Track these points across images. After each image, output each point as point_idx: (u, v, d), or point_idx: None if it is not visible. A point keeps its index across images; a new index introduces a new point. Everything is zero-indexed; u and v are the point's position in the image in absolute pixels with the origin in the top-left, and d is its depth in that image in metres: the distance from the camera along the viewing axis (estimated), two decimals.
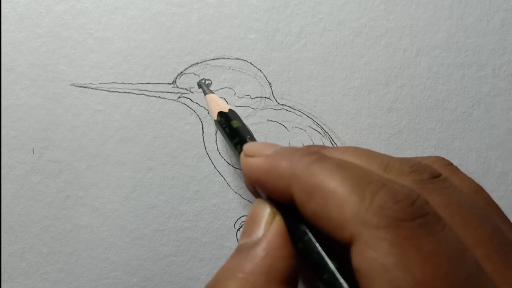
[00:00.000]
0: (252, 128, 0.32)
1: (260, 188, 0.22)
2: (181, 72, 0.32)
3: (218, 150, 0.32)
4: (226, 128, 0.28)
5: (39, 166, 0.33)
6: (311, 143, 0.32)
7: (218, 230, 0.32)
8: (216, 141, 0.32)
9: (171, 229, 0.32)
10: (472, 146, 0.32)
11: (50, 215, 0.33)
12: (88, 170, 0.33)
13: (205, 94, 0.32)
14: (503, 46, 0.31)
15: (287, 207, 0.21)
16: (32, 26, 0.32)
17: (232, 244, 0.32)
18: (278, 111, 0.32)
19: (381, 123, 0.32)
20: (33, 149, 0.33)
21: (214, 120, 0.29)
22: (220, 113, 0.29)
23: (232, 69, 0.32)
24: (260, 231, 0.21)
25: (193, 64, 0.32)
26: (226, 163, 0.32)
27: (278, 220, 0.21)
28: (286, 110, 0.32)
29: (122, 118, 0.32)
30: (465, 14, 0.31)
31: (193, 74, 0.32)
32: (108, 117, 0.32)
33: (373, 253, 0.16)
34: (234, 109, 0.30)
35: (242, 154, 0.23)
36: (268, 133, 0.32)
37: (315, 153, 0.20)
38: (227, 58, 0.32)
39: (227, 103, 0.32)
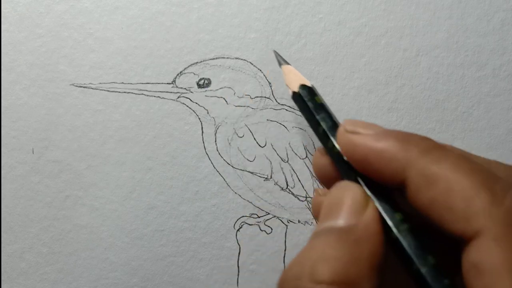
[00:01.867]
0: (252, 128, 0.32)
1: (364, 168, 0.20)
2: (181, 72, 0.32)
3: (217, 150, 0.32)
4: (309, 102, 0.25)
5: (39, 166, 0.33)
6: (311, 143, 0.32)
7: (217, 231, 0.32)
8: (215, 141, 0.32)
9: (171, 229, 0.32)
10: (472, 146, 0.32)
11: (49, 215, 0.33)
12: (88, 170, 0.33)
13: (280, 64, 0.28)
14: (503, 46, 0.31)
15: (381, 192, 0.20)
16: (32, 26, 0.32)
17: (232, 245, 0.32)
18: (278, 111, 0.32)
19: (381, 123, 0.32)
20: (33, 149, 0.33)
21: (293, 93, 0.26)
22: (303, 86, 0.26)
23: (232, 69, 0.32)
24: (352, 215, 0.20)
25: (193, 64, 0.32)
26: (226, 163, 0.32)
27: (374, 205, 0.20)
28: (286, 110, 0.32)
29: (122, 118, 0.32)
30: (465, 14, 0.31)
31: (193, 74, 0.32)
32: (108, 117, 0.32)
33: (504, 250, 0.15)
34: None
35: (341, 129, 0.21)
36: (268, 133, 0.32)
37: (430, 140, 0.19)
38: (227, 58, 0.32)
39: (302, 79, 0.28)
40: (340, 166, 0.22)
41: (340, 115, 0.32)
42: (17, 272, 0.33)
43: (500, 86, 0.31)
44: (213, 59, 0.32)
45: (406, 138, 0.19)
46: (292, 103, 0.32)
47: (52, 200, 0.33)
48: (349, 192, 0.20)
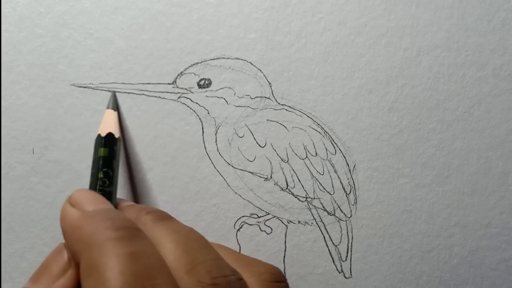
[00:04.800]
0: (252, 128, 0.32)
1: (64, 240, 0.22)
2: (181, 72, 0.32)
3: (218, 150, 0.32)
4: (94, 154, 0.29)
5: (39, 166, 0.33)
6: (311, 143, 0.32)
7: (218, 231, 0.32)
8: (216, 141, 0.32)
9: None
10: (473, 146, 0.32)
11: (50, 215, 0.33)
12: (88, 170, 0.33)
13: (107, 107, 0.32)
14: (504, 46, 0.31)
15: None
16: (32, 26, 0.32)
17: (232, 245, 0.32)
18: (278, 111, 0.32)
19: (382, 123, 0.32)
20: (33, 149, 0.33)
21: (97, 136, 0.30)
22: (98, 135, 0.29)
23: (232, 69, 0.32)
24: (47, 281, 0.21)
25: (193, 64, 0.32)
26: (226, 163, 0.32)
27: (70, 274, 0.21)
28: (286, 110, 0.32)
29: (122, 118, 0.32)
30: (465, 14, 0.31)
31: (193, 74, 0.32)
32: None
33: None
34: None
35: (66, 199, 0.23)
36: (268, 133, 0.32)
37: (124, 229, 0.20)
38: (227, 58, 0.32)
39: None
40: None
41: (340, 115, 0.32)
42: (18, 272, 0.33)
43: (501, 86, 0.31)
44: (214, 59, 0.32)
45: (100, 222, 0.20)
46: (292, 103, 0.32)
47: (52, 200, 0.33)
48: (56, 255, 0.22)
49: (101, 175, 0.27)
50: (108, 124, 0.30)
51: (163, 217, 0.24)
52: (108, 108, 0.31)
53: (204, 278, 0.19)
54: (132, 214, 0.23)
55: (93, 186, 0.27)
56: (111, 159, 0.28)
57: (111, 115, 0.31)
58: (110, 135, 0.29)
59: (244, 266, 0.22)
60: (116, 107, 0.32)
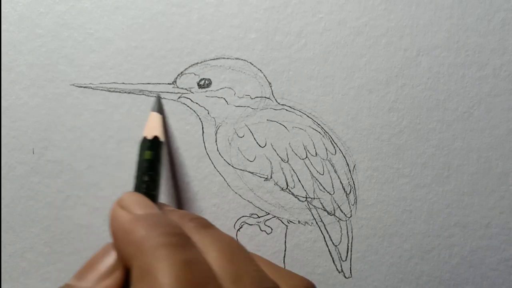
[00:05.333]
0: (252, 128, 0.32)
1: (113, 242, 0.22)
2: (181, 72, 0.32)
3: (218, 150, 0.32)
4: (138, 156, 0.28)
5: (39, 166, 0.33)
6: (311, 143, 0.32)
7: None
8: (216, 141, 0.32)
9: None
10: (473, 146, 0.32)
11: (50, 215, 0.33)
12: (88, 170, 0.33)
13: (152, 110, 0.32)
14: (504, 46, 0.31)
15: None
16: (32, 26, 0.32)
17: None
18: (278, 111, 0.32)
19: (382, 123, 0.32)
20: (33, 149, 0.33)
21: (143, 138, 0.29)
22: (144, 138, 0.29)
23: (232, 69, 0.32)
24: (93, 279, 0.21)
25: (193, 64, 0.32)
26: (226, 163, 0.32)
27: (117, 275, 0.21)
28: (286, 110, 0.32)
29: (123, 119, 0.32)
30: (465, 14, 0.31)
31: (193, 74, 0.32)
32: (108, 117, 0.32)
33: None
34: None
35: (116, 201, 0.23)
36: (268, 133, 0.32)
37: (176, 235, 0.20)
38: (227, 58, 0.32)
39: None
40: None
41: (340, 115, 0.32)
42: (18, 272, 0.33)
43: (500, 86, 0.31)
44: (214, 59, 0.32)
45: (153, 227, 0.20)
46: (292, 103, 0.32)
47: (52, 200, 0.33)
48: (103, 255, 0.22)
49: (146, 178, 0.27)
50: (154, 127, 0.30)
51: (206, 225, 0.24)
52: (153, 111, 0.31)
53: None
54: (175, 220, 0.24)
55: (138, 189, 0.27)
56: (156, 162, 0.28)
57: (157, 118, 0.31)
58: (155, 138, 0.29)
59: (281, 278, 0.23)
60: (161, 110, 0.31)
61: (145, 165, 0.27)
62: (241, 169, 0.32)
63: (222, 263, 0.20)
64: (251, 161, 0.32)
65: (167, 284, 0.18)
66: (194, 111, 0.32)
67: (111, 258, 0.22)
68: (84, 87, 0.32)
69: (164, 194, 0.32)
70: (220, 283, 0.19)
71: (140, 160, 0.28)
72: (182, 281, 0.18)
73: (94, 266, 0.22)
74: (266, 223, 0.32)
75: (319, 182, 0.32)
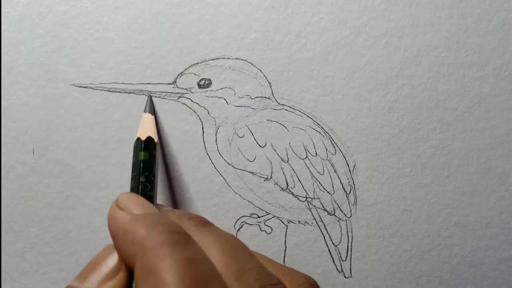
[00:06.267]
0: (252, 128, 0.32)
1: (114, 243, 0.22)
2: (181, 72, 0.32)
3: (218, 150, 0.32)
4: (133, 157, 0.28)
5: (39, 166, 0.33)
6: (311, 143, 0.32)
7: None
8: (216, 141, 0.32)
9: None
10: (473, 146, 0.32)
11: (50, 215, 0.33)
12: (88, 170, 0.33)
13: (144, 110, 0.32)
14: (504, 46, 0.31)
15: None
16: (32, 26, 0.32)
17: None
18: (278, 111, 0.32)
19: (382, 123, 0.32)
20: (33, 149, 0.33)
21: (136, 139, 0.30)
22: (138, 139, 0.29)
23: (232, 69, 0.32)
24: (96, 281, 0.21)
25: (193, 64, 0.32)
26: (226, 163, 0.32)
27: (120, 276, 0.21)
28: (286, 110, 0.32)
29: (123, 119, 0.32)
30: (465, 14, 0.31)
31: (193, 74, 0.32)
32: (108, 117, 0.32)
33: None
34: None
35: (113, 202, 0.23)
36: (268, 133, 0.32)
37: (178, 233, 0.20)
38: (227, 58, 0.32)
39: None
40: None
41: (340, 115, 0.32)
42: (18, 272, 0.33)
43: (500, 86, 0.31)
44: (214, 59, 0.32)
45: (154, 225, 0.20)
46: (292, 103, 0.32)
47: (52, 200, 0.33)
48: (105, 256, 0.22)
49: (142, 179, 0.27)
50: (147, 128, 0.30)
51: (205, 223, 0.24)
52: (145, 111, 0.31)
53: (254, 286, 0.20)
54: (174, 219, 0.24)
55: (135, 190, 0.27)
56: (151, 163, 0.28)
57: (149, 119, 0.31)
58: (149, 139, 0.29)
59: (284, 275, 0.23)
60: (153, 110, 0.32)
61: (141, 166, 0.28)
62: (241, 169, 0.32)
63: (225, 260, 0.20)
64: (251, 161, 0.32)
65: (172, 283, 0.17)
66: (194, 111, 0.32)
67: (113, 259, 0.22)
68: (84, 87, 0.32)
69: (164, 194, 0.32)
70: (224, 281, 0.19)
71: (136, 161, 0.28)
72: (186, 279, 0.18)
73: (96, 267, 0.22)
74: (266, 223, 0.32)
75: (319, 182, 0.32)
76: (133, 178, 0.27)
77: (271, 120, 0.32)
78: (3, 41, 0.32)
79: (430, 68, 0.32)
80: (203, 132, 0.32)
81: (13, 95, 0.33)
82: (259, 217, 0.32)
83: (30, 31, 0.32)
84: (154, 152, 0.29)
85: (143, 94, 0.32)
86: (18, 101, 0.33)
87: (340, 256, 0.32)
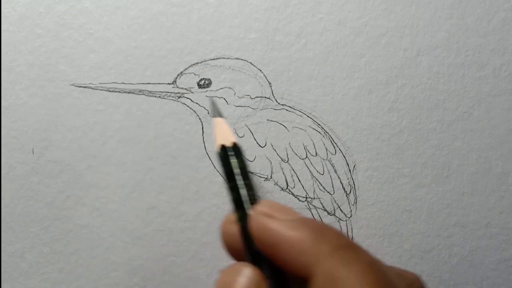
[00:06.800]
0: (252, 128, 0.32)
1: (272, 253, 0.20)
2: (181, 72, 0.32)
3: None
4: (225, 167, 0.26)
5: (39, 166, 0.33)
6: (311, 143, 0.32)
7: (218, 231, 0.32)
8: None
9: (171, 229, 0.32)
10: (473, 146, 0.32)
11: (50, 215, 0.33)
12: (88, 170, 0.33)
13: (213, 116, 0.29)
14: (504, 46, 0.31)
15: (274, 272, 0.20)
16: (32, 26, 0.32)
17: None
18: (278, 111, 0.32)
19: (382, 123, 0.32)
20: (33, 149, 0.33)
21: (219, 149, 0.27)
22: (223, 146, 0.26)
23: (232, 69, 0.32)
24: None
25: (193, 64, 0.32)
26: None
27: None
28: (286, 110, 0.32)
29: (122, 118, 0.32)
30: (465, 14, 0.31)
31: (193, 74, 0.32)
32: (108, 117, 0.32)
33: None
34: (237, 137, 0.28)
35: (256, 210, 0.21)
36: (268, 133, 0.32)
37: (345, 239, 0.19)
38: (227, 58, 0.32)
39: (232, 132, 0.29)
40: (246, 242, 0.21)
41: (340, 115, 0.32)
42: (18, 272, 0.33)
43: (500, 86, 0.31)
44: (214, 59, 0.32)
45: (321, 231, 0.19)
46: (292, 103, 0.32)
47: (52, 200, 0.33)
48: (240, 279, 0.20)
49: (246, 186, 0.24)
50: (226, 133, 0.27)
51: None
52: (215, 116, 0.29)
53: None
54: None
55: (240, 201, 0.24)
56: (245, 169, 0.26)
57: (223, 123, 0.28)
58: (235, 144, 0.27)
59: (398, 275, 0.22)
60: (221, 113, 0.29)
61: (243, 173, 0.25)
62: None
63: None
64: (251, 161, 0.32)
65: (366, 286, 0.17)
66: (194, 111, 0.32)
67: (244, 278, 0.20)
68: (84, 87, 0.32)
69: (164, 194, 0.32)
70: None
71: (228, 170, 0.25)
72: (375, 284, 0.17)
73: None
74: None
75: (319, 182, 0.32)
76: (232, 188, 0.24)
77: (271, 120, 0.32)
78: (3, 41, 0.32)
79: (430, 68, 0.32)
80: (203, 132, 0.32)
81: (13, 95, 0.33)
82: None
83: (30, 31, 0.32)
84: (243, 156, 0.26)
85: (142, 94, 0.32)
86: (18, 101, 0.33)
87: None
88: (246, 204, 0.23)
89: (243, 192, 0.23)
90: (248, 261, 0.21)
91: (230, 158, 0.25)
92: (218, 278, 0.21)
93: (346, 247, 0.18)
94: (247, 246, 0.21)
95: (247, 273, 0.20)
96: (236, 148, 0.26)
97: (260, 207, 0.21)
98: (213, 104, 0.31)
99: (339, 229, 0.20)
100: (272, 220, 0.20)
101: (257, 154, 0.32)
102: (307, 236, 0.19)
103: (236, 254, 0.23)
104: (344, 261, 0.18)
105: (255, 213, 0.21)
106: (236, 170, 0.25)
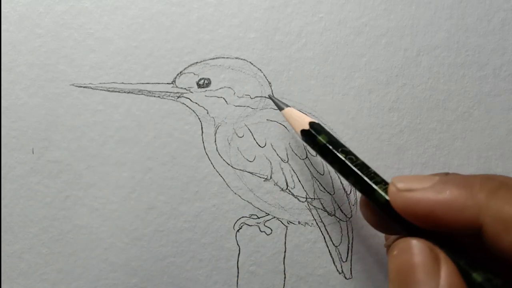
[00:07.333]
0: (252, 128, 0.32)
1: (430, 223, 0.19)
2: (181, 72, 0.32)
3: (217, 150, 0.32)
4: (315, 147, 0.25)
5: (38, 166, 0.33)
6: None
7: (217, 231, 0.32)
8: (215, 141, 0.32)
9: (171, 229, 0.32)
10: (473, 146, 0.32)
11: (49, 216, 0.33)
12: (88, 170, 0.32)
13: (280, 109, 0.29)
14: (504, 46, 0.31)
15: (446, 242, 0.19)
16: (32, 26, 0.32)
17: (232, 245, 0.32)
18: (278, 110, 0.32)
19: (382, 123, 0.32)
20: (32, 149, 0.33)
21: (303, 132, 0.26)
22: (303, 130, 0.26)
23: (232, 69, 0.32)
24: (427, 283, 0.18)
25: (193, 64, 0.32)
26: (226, 163, 0.32)
27: (450, 265, 0.19)
28: None
29: (122, 118, 0.32)
30: (465, 14, 0.31)
31: (193, 74, 0.32)
32: (108, 117, 0.32)
33: None
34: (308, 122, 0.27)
35: (393, 189, 0.20)
36: (268, 133, 0.32)
37: (494, 179, 0.19)
38: (227, 58, 0.32)
39: (304, 114, 0.28)
40: (398, 222, 0.21)
41: (340, 115, 0.32)
42: (17, 273, 0.33)
43: (500, 86, 0.31)
44: (213, 59, 0.32)
45: (468, 182, 0.19)
46: (292, 103, 0.32)
47: (52, 201, 0.33)
48: (417, 257, 0.19)
49: (358, 160, 0.23)
50: (300, 118, 0.27)
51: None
52: (283, 109, 0.29)
53: None
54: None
55: (365, 174, 0.23)
56: (337, 142, 0.25)
57: (293, 111, 0.28)
58: (313, 124, 0.26)
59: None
60: (284, 104, 0.29)
61: (339, 147, 0.24)
62: (240, 169, 0.32)
63: None
64: (250, 161, 0.32)
65: None
66: (194, 111, 0.32)
67: (422, 252, 0.19)
68: (84, 87, 0.32)
69: (163, 194, 0.32)
70: None
71: (323, 146, 0.25)
72: None
73: (413, 272, 0.19)
74: (265, 224, 0.32)
75: (319, 182, 0.32)
76: (334, 161, 0.24)
77: (271, 120, 0.32)
78: (3, 41, 0.33)
79: (430, 68, 0.32)
80: (202, 132, 0.32)
81: (13, 95, 0.33)
82: (258, 218, 0.32)
83: (30, 31, 0.32)
84: (327, 130, 0.26)
85: (142, 94, 0.32)
86: (18, 101, 0.33)
87: (341, 257, 0.32)
88: (379, 186, 0.22)
89: (366, 173, 0.23)
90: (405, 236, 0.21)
91: (318, 136, 0.25)
92: (393, 255, 0.20)
93: (499, 187, 0.18)
94: (404, 225, 0.21)
95: (419, 248, 0.19)
96: (315, 128, 0.26)
97: (394, 186, 0.20)
98: (274, 98, 0.30)
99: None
100: (415, 192, 0.20)
101: (257, 154, 0.32)
102: (459, 192, 0.19)
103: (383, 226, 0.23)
104: (505, 200, 0.17)
105: (393, 193, 0.20)
106: (342, 155, 0.24)
